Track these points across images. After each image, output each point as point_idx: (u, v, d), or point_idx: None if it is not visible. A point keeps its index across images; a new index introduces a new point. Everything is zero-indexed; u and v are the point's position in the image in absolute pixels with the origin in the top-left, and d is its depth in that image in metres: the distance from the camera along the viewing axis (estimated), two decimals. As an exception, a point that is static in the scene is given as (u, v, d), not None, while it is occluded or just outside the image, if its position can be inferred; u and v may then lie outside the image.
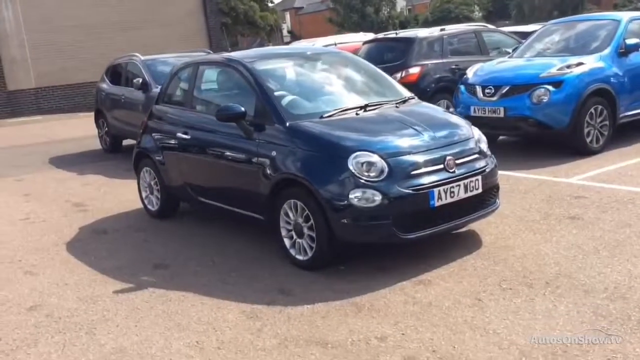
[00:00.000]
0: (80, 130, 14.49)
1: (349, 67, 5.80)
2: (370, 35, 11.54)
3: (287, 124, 4.68)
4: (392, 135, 4.56)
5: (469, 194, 4.47)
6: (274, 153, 4.66)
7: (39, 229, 6.43)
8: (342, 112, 4.87)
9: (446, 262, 4.48)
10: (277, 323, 3.78)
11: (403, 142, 4.49)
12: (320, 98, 5.23)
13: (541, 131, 7.59)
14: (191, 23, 21.92)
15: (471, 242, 4.85)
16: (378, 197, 4.18)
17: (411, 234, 4.30)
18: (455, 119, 5.20)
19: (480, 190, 4.55)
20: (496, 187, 4.88)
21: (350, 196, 4.19)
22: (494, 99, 7.73)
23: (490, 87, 7.83)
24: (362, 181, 4.21)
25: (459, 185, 4.41)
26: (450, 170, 4.42)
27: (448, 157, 4.44)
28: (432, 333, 3.50)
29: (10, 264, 5.34)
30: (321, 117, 4.78)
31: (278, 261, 4.74)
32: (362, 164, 4.25)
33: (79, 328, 3.94)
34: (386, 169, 4.25)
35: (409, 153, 4.39)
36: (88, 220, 6.60)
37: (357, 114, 4.86)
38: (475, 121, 8.01)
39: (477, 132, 4.95)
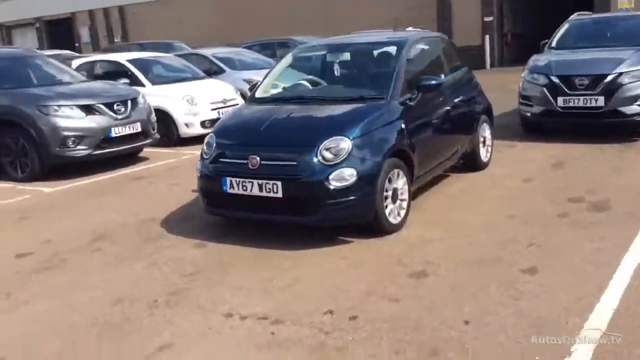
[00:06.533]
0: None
1: (369, 61, 6.47)
2: None
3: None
4: (241, 126, 5.65)
5: (265, 194, 4.86)
6: None
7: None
8: (274, 101, 6.02)
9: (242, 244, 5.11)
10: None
11: (239, 134, 5.49)
12: (297, 87, 6.33)
13: None
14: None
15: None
16: (201, 171, 5.40)
17: (210, 209, 5.40)
18: (336, 124, 5.17)
19: (279, 195, 4.80)
20: (318, 199, 4.77)
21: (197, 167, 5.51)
22: None
23: None
24: (203, 156, 5.43)
25: (252, 183, 4.90)
26: (252, 167, 4.93)
27: (252, 156, 4.93)
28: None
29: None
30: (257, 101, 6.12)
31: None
32: (206, 143, 5.47)
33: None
34: (211, 153, 5.31)
35: (228, 145, 5.30)
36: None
37: (277, 104, 5.90)
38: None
39: (333, 144, 4.86)
